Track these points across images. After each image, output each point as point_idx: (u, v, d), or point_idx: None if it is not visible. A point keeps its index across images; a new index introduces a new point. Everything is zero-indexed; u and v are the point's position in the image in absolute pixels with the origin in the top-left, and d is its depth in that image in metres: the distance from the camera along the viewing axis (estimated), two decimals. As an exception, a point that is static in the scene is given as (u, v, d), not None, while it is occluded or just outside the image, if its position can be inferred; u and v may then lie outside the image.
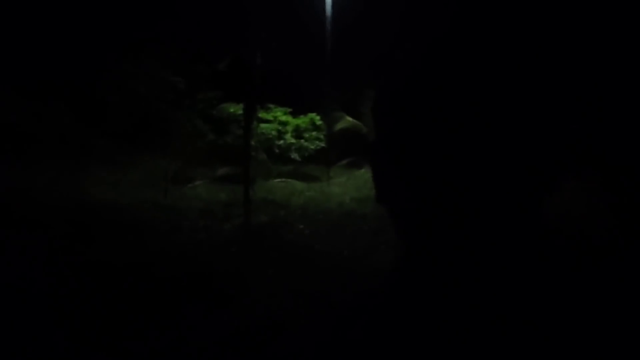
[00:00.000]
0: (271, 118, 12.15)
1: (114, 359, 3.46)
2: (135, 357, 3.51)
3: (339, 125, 14.47)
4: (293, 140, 11.95)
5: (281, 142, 11.83)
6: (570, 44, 5.13)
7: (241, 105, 11.68)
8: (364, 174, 13.01)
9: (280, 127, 12.07)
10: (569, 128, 5.21)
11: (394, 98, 5.19)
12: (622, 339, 3.56)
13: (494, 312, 3.95)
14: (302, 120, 12.44)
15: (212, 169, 11.64)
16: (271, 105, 12.48)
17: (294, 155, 11.83)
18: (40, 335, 3.66)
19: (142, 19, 10.07)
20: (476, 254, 4.54)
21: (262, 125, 11.66)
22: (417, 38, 5.49)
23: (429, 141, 4.64)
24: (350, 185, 11.16)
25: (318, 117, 12.67)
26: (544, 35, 5.07)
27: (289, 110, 12.60)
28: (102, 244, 6.02)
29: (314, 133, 12.42)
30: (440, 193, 4.71)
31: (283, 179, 11.16)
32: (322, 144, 12.43)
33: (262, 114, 12.17)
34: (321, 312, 4.18)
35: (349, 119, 14.73)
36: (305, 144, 12.07)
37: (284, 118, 12.18)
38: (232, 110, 11.63)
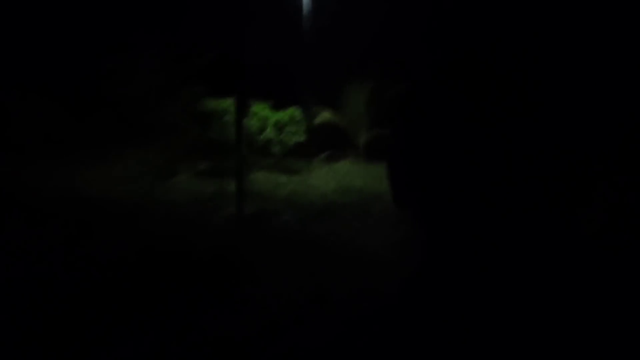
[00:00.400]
0: (252, 112, 12.42)
1: (117, 346, 3.58)
2: (141, 341, 3.71)
3: (318, 120, 14.82)
4: (274, 135, 12.27)
5: (262, 136, 12.14)
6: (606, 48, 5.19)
7: (223, 101, 11.99)
8: (343, 167, 13.46)
9: (260, 122, 12.36)
10: (604, 131, 5.18)
11: (419, 102, 5.41)
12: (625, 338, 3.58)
13: (512, 312, 3.97)
14: (282, 115, 12.74)
15: (192, 164, 11.90)
16: (251, 100, 12.76)
17: (275, 149, 12.15)
18: (42, 325, 3.82)
19: (126, 17, 10.26)
20: (501, 256, 4.67)
21: (244, 120, 11.91)
22: (442, 43, 5.69)
23: (453, 144, 4.83)
24: (330, 177, 11.58)
25: (298, 112, 13.00)
26: (581, 39, 5.17)
27: (269, 104, 12.88)
28: (99, 234, 6.26)
29: (294, 127, 12.74)
30: (464, 194, 4.91)
31: (265, 172, 11.49)
32: (302, 138, 12.78)
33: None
34: (313, 289, 4.57)
35: (328, 113, 15.10)
36: (286, 138, 12.40)
37: (264, 113, 12.46)
38: (213, 105, 11.86)
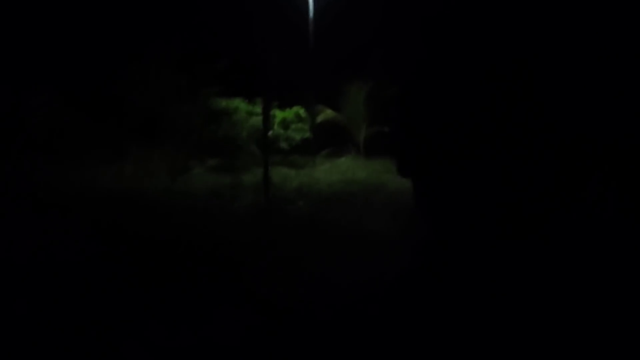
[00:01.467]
0: (260, 111, 13.26)
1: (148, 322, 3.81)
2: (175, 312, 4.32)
3: (320, 118, 15.65)
4: (281, 131, 13.12)
5: (270, 133, 12.97)
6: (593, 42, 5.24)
7: (232, 100, 12.87)
8: (345, 162, 14.32)
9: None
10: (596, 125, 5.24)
11: (422, 91, 5.83)
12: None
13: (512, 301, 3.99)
14: (288, 113, 13.61)
15: (204, 160, 12.73)
16: (258, 99, 13.62)
17: (283, 145, 13.00)
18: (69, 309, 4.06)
19: (147, 22, 11.08)
20: (500, 241, 4.85)
21: (253, 118, 12.78)
22: (441, 34, 6.05)
23: (457, 131, 5.25)
24: (334, 171, 12.43)
25: (302, 110, 13.87)
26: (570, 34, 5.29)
27: (276, 103, 13.73)
28: (128, 223, 7.04)
29: (299, 124, 13.61)
30: (468, 182, 5.25)
31: (274, 167, 12.32)
32: (307, 135, 13.64)
33: (251, 108, 13.30)
34: (330, 260, 5.39)
35: (329, 111, 15.94)
36: (292, 134, 13.26)
37: (272, 111, 13.30)
38: (224, 104, 12.72)
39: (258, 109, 13.32)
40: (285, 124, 13.42)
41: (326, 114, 15.92)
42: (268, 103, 8.71)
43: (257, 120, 13.01)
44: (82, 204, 7.94)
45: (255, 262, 5.18)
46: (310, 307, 4.01)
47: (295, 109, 13.85)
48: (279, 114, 13.57)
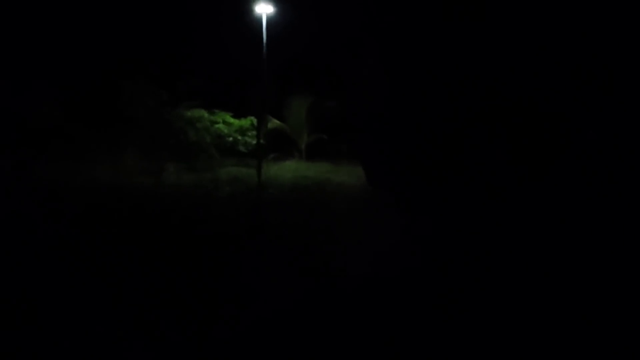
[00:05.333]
0: (219, 120, 15.44)
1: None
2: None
3: (268, 127, 18.06)
4: (239, 137, 15.35)
5: (230, 139, 15.18)
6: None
7: (197, 110, 14.97)
8: (292, 164, 16.86)
9: (227, 127, 15.41)
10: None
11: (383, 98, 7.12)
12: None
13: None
14: (244, 122, 15.85)
15: (173, 162, 14.65)
16: (216, 110, 15.80)
17: (241, 149, 15.23)
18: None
19: (134, 44, 12.97)
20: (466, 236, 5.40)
21: (214, 126, 14.95)
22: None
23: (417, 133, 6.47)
24: (285, 170, 14.90)
25: (256, 120, 16.17)
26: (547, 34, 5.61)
27: (231, 114, 15.96)
28: (144, 206, 9.09)
29: (253, 132, 15.89)
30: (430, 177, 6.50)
31: (233, 167, 14.58)
32: (262, 141, 15.97)
33: (212, 117, 15.45)
34: (302, 223, 7.84)
35: (276, 121, 18.40)
36: (249, 140, 15.52)
37: (230, 120, 15.51)
38: (188, 114, 14.78)
39: (218, 118, 15.53)
40: (242, 131, 15.65)
41: (273, 123, 18.37)
42: (260, 116, 11.02)
43: (219, 127, 15.19)
44: (92, 194, 9.83)
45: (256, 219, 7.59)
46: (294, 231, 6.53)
47: (250, 118, 16.11)
48: (236, 122, 15.77)
